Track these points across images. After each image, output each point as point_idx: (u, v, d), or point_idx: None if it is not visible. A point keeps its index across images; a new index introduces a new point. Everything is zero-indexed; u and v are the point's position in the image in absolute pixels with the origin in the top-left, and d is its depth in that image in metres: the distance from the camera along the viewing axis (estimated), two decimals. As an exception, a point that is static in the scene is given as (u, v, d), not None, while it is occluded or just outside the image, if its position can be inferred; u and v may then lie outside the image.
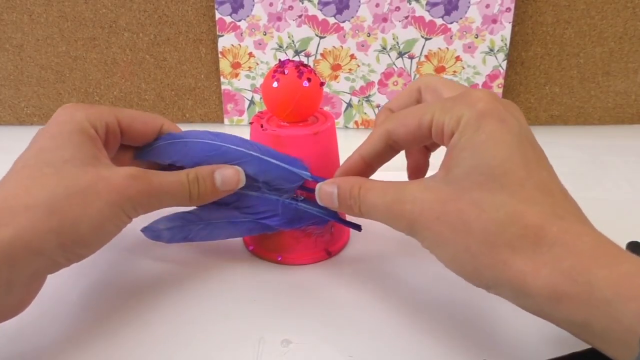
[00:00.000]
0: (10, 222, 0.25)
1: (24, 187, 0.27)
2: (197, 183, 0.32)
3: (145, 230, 0.36)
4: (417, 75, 0.59)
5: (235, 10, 0.57)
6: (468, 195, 0.25)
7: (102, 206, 0.28)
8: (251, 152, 0.33)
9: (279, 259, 0.36)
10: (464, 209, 0.25)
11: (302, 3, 0.56)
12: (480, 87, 0.59)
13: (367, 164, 0.32)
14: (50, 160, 0.28)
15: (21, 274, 0.26)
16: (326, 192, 0.31)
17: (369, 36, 0.57)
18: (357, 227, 0.35)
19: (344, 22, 0.57)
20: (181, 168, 0.34)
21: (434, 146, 0.34)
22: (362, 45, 0.58)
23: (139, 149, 0.35)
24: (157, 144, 0.35)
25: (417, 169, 0.37)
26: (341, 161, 0.37)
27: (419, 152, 0.36)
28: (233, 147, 0.33)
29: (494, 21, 0.56)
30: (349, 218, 0.36)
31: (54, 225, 0.26)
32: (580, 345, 0.27)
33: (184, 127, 0.36)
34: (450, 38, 0.57)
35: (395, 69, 0.59)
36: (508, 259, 0.24)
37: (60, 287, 0.34)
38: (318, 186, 0.32)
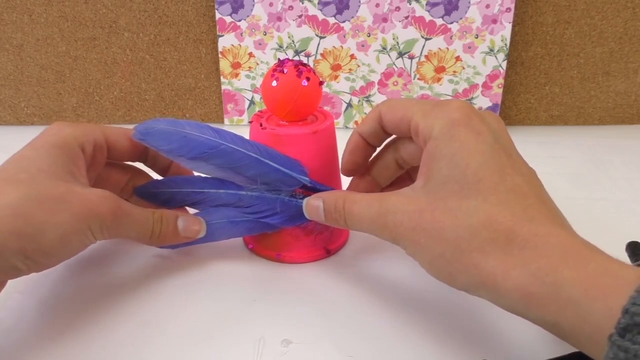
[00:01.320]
0: None
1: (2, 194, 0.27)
2: (161, 223, 0.33)
3: None
4: (417, 75, 0.59)
5: (235, 10, 0.57)
6: (443, 204, 0.26)
7: (69, 218, 0.28)
8: (251, 153, 0.33)
9: (279, 257, 0.36)
10: (439, 218, 0.26)
11: (302, 3, 0.56)
12: (480, 87, 0.59)
13: (367, 142, 0.34)
14: (27, 168, 0.29)
15: None
16: (313, 206, 0.33)
17: (369, 36, 0.57)
18: None
19: (344, 22, 0.57)
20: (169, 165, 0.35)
21: (406, 164, 0.35)
22: (362, 45, 0.58)
23: (140, 126, 0.34)
24: (157, 125, 0.34)
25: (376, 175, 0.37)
26: (341, 161, 0.37)
27: (391, 164, 0.35)
28: (232, 146, 0.33)
29: (494, 21, 0.56)
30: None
31: (17, 228, 0.26)
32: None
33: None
34: (451, 38, 0.57)
35: (395, 69, 0.59)
36: (479, 263, 0.25)
37: (59, 285, 0.34)
38: (305, 201, 0.33)
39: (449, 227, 0.26)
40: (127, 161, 0.37)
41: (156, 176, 0.38)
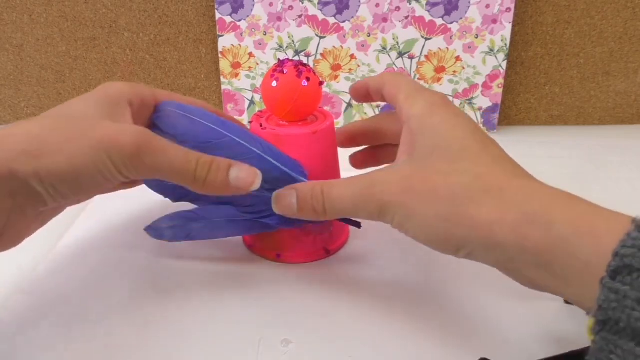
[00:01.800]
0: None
1: (28, 122, 0.27)
2: (209, 169, 0.30)
3: (148, 229, 0.36)
4: (417, 75, 0.59)
5: (235, 10, 0.57)
6: (432, 168, 0.27)
7: (86, 145, 0.26)
8: (254, 148, 0.33)
9: (278, 257, 0.36)
10: (430, 178, 0.27)
11: (302, 3, 0.56)
12: (480, 87, 0.59)
13: (368, 92, 0.35)
14: (64, 110, 0.29)
15: (1, 195, 0.25)
16: (283, 197, 0.31)
17: (369, 36, 0.57)
18: (357, 225, 0.35)
19: (344, 22, 0.57)
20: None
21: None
22: (362, 45, 0.58)
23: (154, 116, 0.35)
24: (166, 108, 0.33)
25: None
26: (340, 161, 0.38)
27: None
28: (237, 139, 0.33)
29: (494, 21, 0.56)
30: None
31: (29, 149, 0.25)
32: (578, 344, 0.27)
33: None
34: (450, 38, 0.57)
35: (396, 69, 0.59)
36: (475, 214, 0.25)
37: (60, 285, 0.34)
38: (274, 194, 0.32)
39: (441, 186, 0.26)
40: None
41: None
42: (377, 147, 0.39)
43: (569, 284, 0.23)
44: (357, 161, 0.40)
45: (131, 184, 0.38)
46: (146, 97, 0.34)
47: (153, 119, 0.34)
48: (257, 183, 0.31)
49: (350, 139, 0.38)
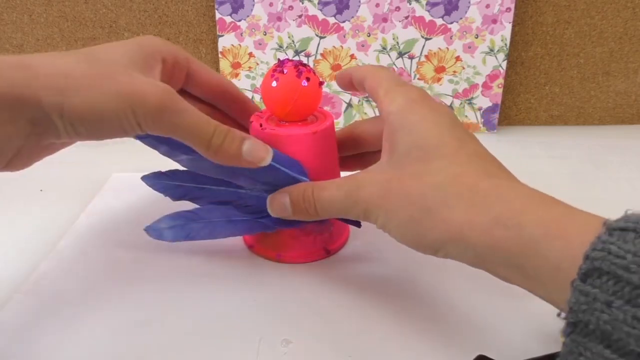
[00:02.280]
0: (30, 72, 0.26)
1: (61, 55, 0.27)
2: (224, 137, 0.30)
3: (148, 229, 0.36)
4: (417, 75, 0.59)
5: (235, 10, 0.57)
6: (409, 170, 0.28)
7: (112, 93, 0.27)
8: None
9: (278, 257, 0.36)
10: (406, 182, 0.27)
11: (302, 3, 0.56)
12: (480, 87, 0.59)
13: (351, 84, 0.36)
14: (100, 52, 0.29)
15: (22, 119, 0.26)
16: (278, 201, 0.33)
17: (369, 36, 0.57)
18: (357, 224, 0.35)
19: (344, 22, 0.57)
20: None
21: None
22: (362, 45, 0.58)
23: None
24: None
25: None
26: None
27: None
28: None
29: (494, 21, 0.56)
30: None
31: (60, 86, 0.26)
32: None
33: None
34: (451, 38, 0.57)
35: (396, 69, 0.59)
36: (446, 217, 0.25)
37: (60, 285, 0.34)
38: (269, 198, 0.33)
39: (415, 189, 0.27)
40: (202, 97, 0.38)
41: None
42: (359, 155, 0.39)
43: (541, 285, 0.23)
44: (344, 166, 0.40)
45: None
46: (180, 59, 0.34)
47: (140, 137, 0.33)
48: (268, 160, 0.31)
49: None
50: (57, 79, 0.26)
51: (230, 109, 0.39)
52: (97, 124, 0.27)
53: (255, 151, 0.31)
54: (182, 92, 0.36)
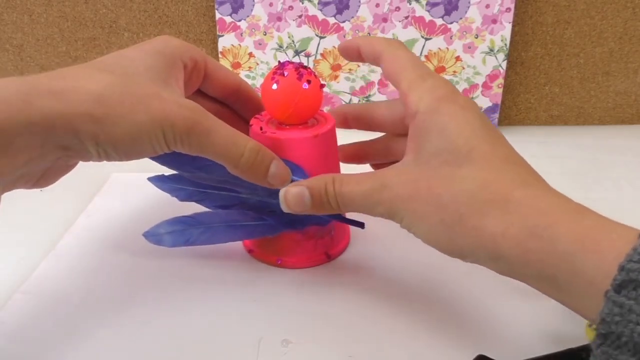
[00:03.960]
0: (63, 100, 0.26)
1: (90, 75, 0.27)
2: (256, 155, 0.30)
3: (146, 235, 0.36)
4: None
5: (235, 10, 0.57)
6: (437, 173, 0.27)
7: (145, 119, 0.27)
8: None
9: (279, 262, 0.36)
10: (435, 185, 0.26)
11: (302, 3, 0.56)
12: (480, 87, 0.59)
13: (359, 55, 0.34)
14: (124, 65, 0.29)
15: (54, 145, 0.26)
16: (295, 194, 0.31)
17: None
18: (360, 225, 0.35)
19: (344, 22, 0.57)
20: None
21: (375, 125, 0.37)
22: (362, 45, 0.58)
23: None
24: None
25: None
26: (341, 165, 0.38)
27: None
28: None
29: (494, 21, 0.56)
30: (349, 216, 0.36)
31: (95, 114, 0.26)
32: (576, 342, 0.27)
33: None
34: (450, 38, 0.57)
35: (395, 69, 0.59)
36: (479, 224, 0.25)
37: (60, 285, 0.34)
38: (283, 191, 0.31)
39: (446, 194, 0.26)
40: (216, 96, 0.38)
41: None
42: (366, 144, 0.39)
43: (573, 297, 0.23)
44: (344, 154, 0.39)
45: None
46: (199, 61, 0.34)
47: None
48: (287, 183, 0.32)
49: (342, 120, 0.38)
50: (91, 107, 0.26)
51: (242, 109, 0.39)
52: (130, 149, 0.28)
53: (279, 176, 0.31)
54: (196, 92, 0.36)
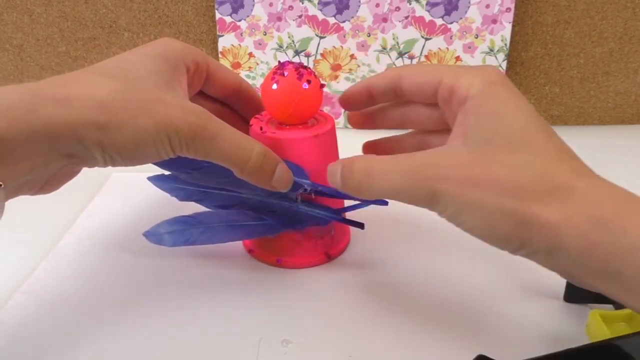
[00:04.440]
0: (67, 107, 0.25)
1: (92, 81, 0.27)
2: (263, 159, 0.30)
3: (147, 234, 0.36)
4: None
5: (235, 10, 0.57)
6: (494, 158, 0.25)
7: (149, 125, 0.27)
8: None
9: (279, 262, 0.36)
10: (493, 170, 0.24)
11: (302, 3, 0.56)
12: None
13: (371, 95, 0.33)
14: (126, 69, 0.29)
15: (59, 153, 0.26)
16: (332, 170, 0.29)
17: (369, 36, 0.57)
18: (360, 225, 0.35)
19: (344, 22, 0.57)
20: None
21: (412, 124, 0.34)
22: (362, 45, 0.58)
23: None
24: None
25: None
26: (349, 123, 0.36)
27: (394, 120, 0.35)
28: None
29: (494, 21, 0.56)
30: (349, 216, 0.37)
31: (100, 121, 0.26)
32: (576, 342, 0.27)
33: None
34: (450, 38, 0.57)
35: (395, 69, 0.59)
36: (542, 213, 0.23)
37: (60, 285, 0.34)
38: (329, 167, 0.30)
39: (506, 179, 0.24)
40: (217, 96, 0.38)
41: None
42: (397, 139, 0.36)
43: (638, 295, 0.22)
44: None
45: None
46: (201, 63, 0.34)
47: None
48: (289, 188, 0.32)
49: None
50: (96, 114, 0.26)
51: (242, 108, 0.39)
52: (135, 154, 0.28)
53: (283, 179, 0.31)
54: (197, 92, 0.36)
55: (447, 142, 0.27)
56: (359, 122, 0.36)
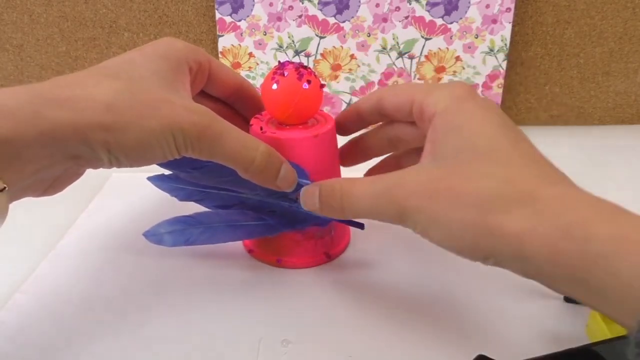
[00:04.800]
0: (72, 109, 0.25)
1: (97, 82, 0.27)
2: (267, 158, 0.30)
3: (147, 234, 0.36)
4: (417, 75, 0.59)
5: (235, 10, 0.57)
6: (459, 171, 0.26)
7: (155, 125, 0.27)
8: None
9: (279, 262, 0.36)
10: (457, 184, 0.25)
11: (302, 3, 0.56)
12: (480, 87, 0.59)
13: (360, 117, 0.35)
14: (129, 70, 0.29)
15: (64, 155, 0.26)
16: (309, 193, 0.31)
17: (369, 36, 0.57)
18: (360, 226, 0.35)
19: (344, 22, 0.57)
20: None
21: (400, 143, 0.35)
22: (362, 45, 0.58)
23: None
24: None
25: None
26: (342, 165, 0.38)
27: (383, 140, 0.36)
28: None
29: (494, 21, 0.56)
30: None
31: (105, 122, 0.26)
32: (576, 342, 0.27)
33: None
34: (450, 38, 0.57)
35: (395, 69, 0.59)
36: (504, 223, 0.23)
37: (60, 285, 0.34)
38: (302, 190, 0.32)
39: (469, 191, 0.24)
40: (218, 96, 0.38)
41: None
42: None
43: (607, 301, 0.21)
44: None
45: None
46: (203, 63, 0.34)
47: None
48: (294, 186, 0.32)
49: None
50: (101, 115, 0.26)
51: (243, 108, 0.39)
52: (141, 155, 0.28)
53: (288, 179, 0.31)
54: (199, 92, 0.36)
55: (420, 160, 0.28)
56: (353, 160, 0.38)
